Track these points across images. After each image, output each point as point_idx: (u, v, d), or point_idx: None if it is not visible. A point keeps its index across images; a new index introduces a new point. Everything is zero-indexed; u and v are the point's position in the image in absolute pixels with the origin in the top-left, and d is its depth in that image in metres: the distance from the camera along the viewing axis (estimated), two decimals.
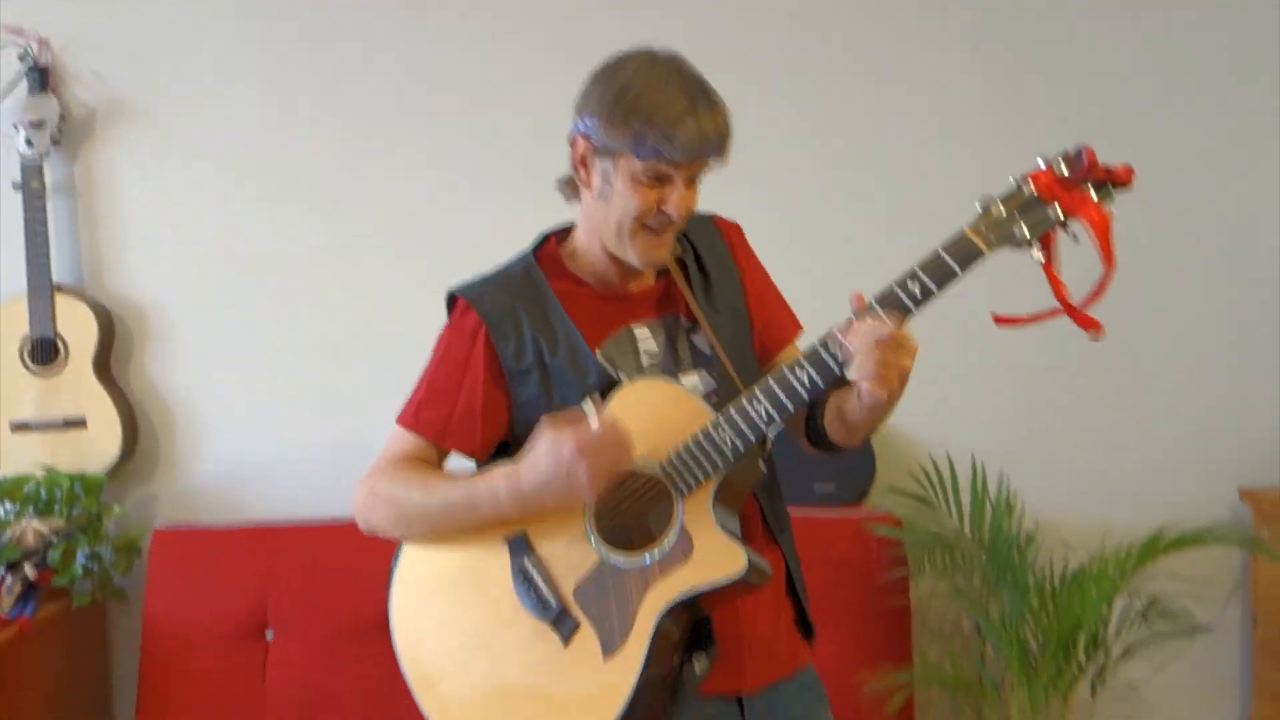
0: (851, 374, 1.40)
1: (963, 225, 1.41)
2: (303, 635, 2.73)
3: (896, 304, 1.41)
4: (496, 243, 1.71)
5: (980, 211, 1.41)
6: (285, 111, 3.00)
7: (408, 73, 3.00)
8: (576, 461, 1.41)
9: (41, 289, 2.85)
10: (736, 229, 1.71)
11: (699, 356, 1.60)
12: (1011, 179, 1.41)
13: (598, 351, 1.55)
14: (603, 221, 1.54)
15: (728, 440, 1.46)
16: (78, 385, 2.87)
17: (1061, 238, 1.41)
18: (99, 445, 2.87)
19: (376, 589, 2.71)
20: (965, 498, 2.76)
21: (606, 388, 1.52)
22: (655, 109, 1.44)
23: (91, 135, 3.00)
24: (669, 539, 1.48)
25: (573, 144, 1.54)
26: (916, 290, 1.40)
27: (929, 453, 2.88)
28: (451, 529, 1.54)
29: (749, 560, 1.45)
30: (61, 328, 2.87)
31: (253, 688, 2.70)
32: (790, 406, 1.45)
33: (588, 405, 1.46)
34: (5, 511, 2.76)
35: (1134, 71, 3.02)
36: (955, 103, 3.02)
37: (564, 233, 1.66)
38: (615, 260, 1.58)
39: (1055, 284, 1.41)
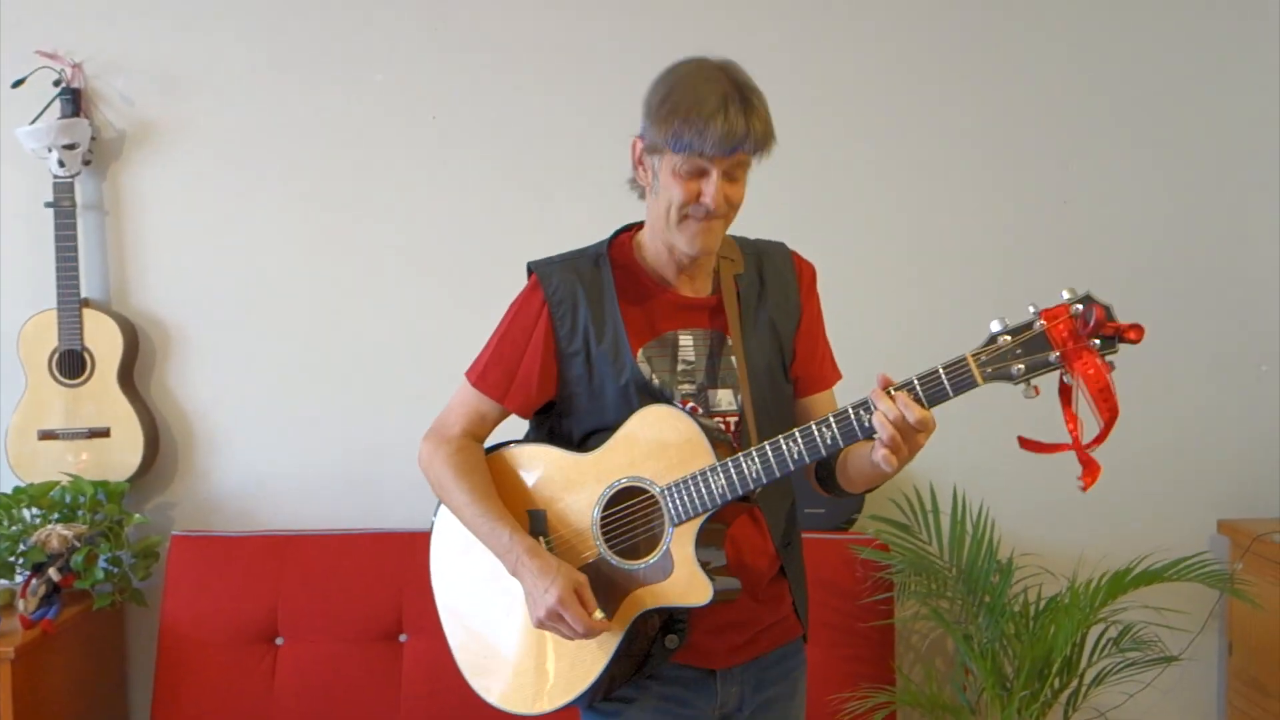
0: (876, 441, 1.52)
1: (966, 351, 1.49)
2: (311, 642, 2.85)
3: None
4: (510, 260, 1.83)
5: (989, 336, 1.48)
6: (304, 135, 3.12)
7: (422, 99, 3.11)
8: (545, 610, 1.64)
9: (70, 303, 2.98)
10: (811, 270, 1.84)
11: (732, 376, 1.74)
12: (1030, 309, 1.47)
13: (639, 351, 1.70)
14: (656, 214, 1.68)
15: (719, 486, 1.62)
16: (103, 396, 3.00)
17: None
18: (121, 454, 3.00)
19: (382, 599, 2.87)
20: (946, 525, 2.86)
21: (638, 385, 1.69)
22: (690, 108, 1.58)
23: (120, 156, 3.12)
24: (654, 557, 1.66)
25: (632, 146, 1.70)
26: (916, 394, 1.51)
27: (913, 483, 2.98)
28: (469, 528, 1.76)
29: (714, 594, 1.62)
30: (88, 341, 2.99)
31: (262, 690, 2.82)
32: (807, 458, 1.59)
33: (599, 614, 1.64)
34: (31, 517, 2.88)
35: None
36: (958, 95, 3.13)
37: (640, 225, 1.80)
38: (674, 258, 1.72)
39: (1070, 421, 1.49)
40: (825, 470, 1.76)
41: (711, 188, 1.61)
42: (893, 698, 2.71)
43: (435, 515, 1.84)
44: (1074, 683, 2.75)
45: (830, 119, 3.11)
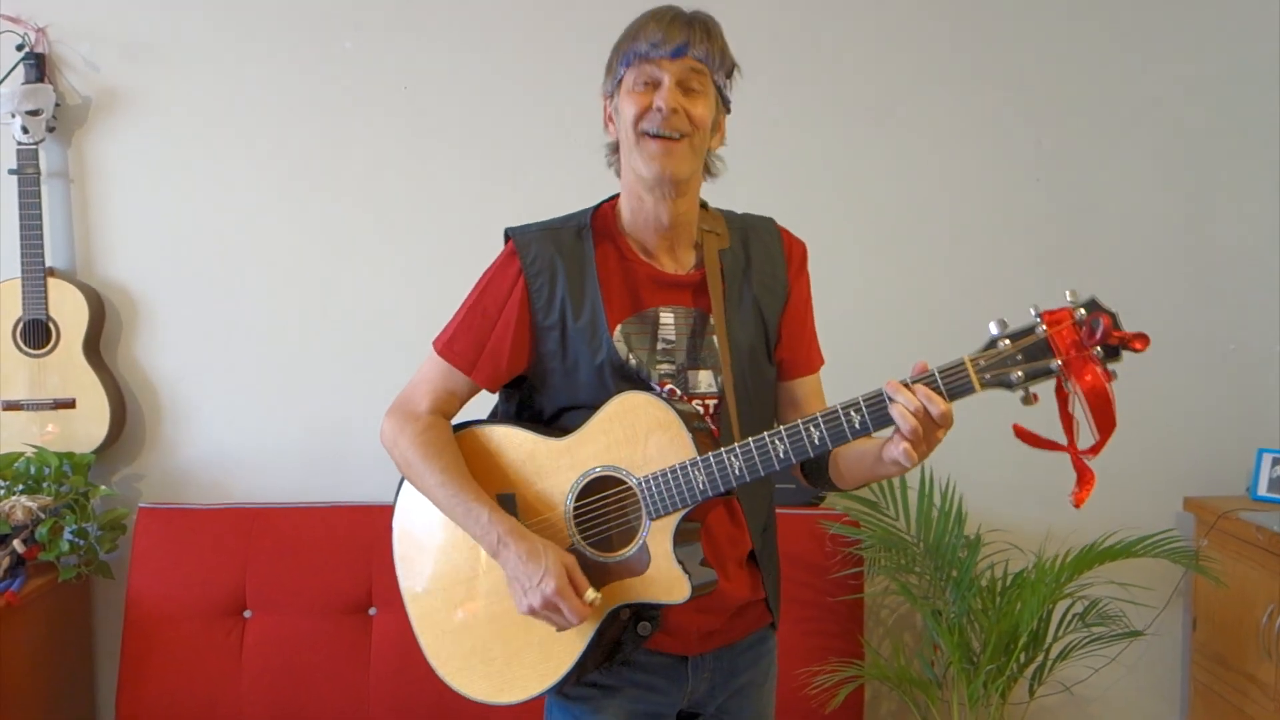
0: (894, 437, 1.47)
1: (964, 355, 1.43)
2: (279, 615, 2.84)
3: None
4: (481, 234, 1.79)
5: (988, 340, 1.42)
6: (272, 104, 3.08)
7: (393, 68, 3.08)
8: (540, 600, 1.57)
9: (34, 272, 2.93)
10: (801, 249, 1.78)
11: (713, 357, 1.68)
12: (1032, 312, 1.41)
13: (617, 329, 1.65)
14: (624, 155, 1.64)
15: (700, 482, 1.56)
16: (68, 367, 2.96)
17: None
18: (87, 426, 2.97)
19: (351, 573, 2.86)
20: (914, 500, 2.86)
21: (614, 366, 1.63)
22: (629, 30, 1.63)
23: (85, 123, 3.07)
24: (631, 550, 1.61)
25: (604, 110, 1.69)
26: (936, 385, 1.45)
27: None
28: (442, 509, 1.69)
29: (691, 590, 1.58)
30: (53, 310, 2.95)
31: (230, 664, 2.80)
32: (794, 458, 1.52)
33: (591, 594, 1.58)
34: None
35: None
36: (954, 97, 3.13)
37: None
38: (654, 228, 1.67)
39: (1068, 427, 1.43)
40: (814, 464, 1.70)
41: (663, 91, 1.58)
42: (861, 672, 2.72)
43: (396, 499, 1.77)
44: (1040, 657, 2.78)
45: (806, 100, 3.09)
